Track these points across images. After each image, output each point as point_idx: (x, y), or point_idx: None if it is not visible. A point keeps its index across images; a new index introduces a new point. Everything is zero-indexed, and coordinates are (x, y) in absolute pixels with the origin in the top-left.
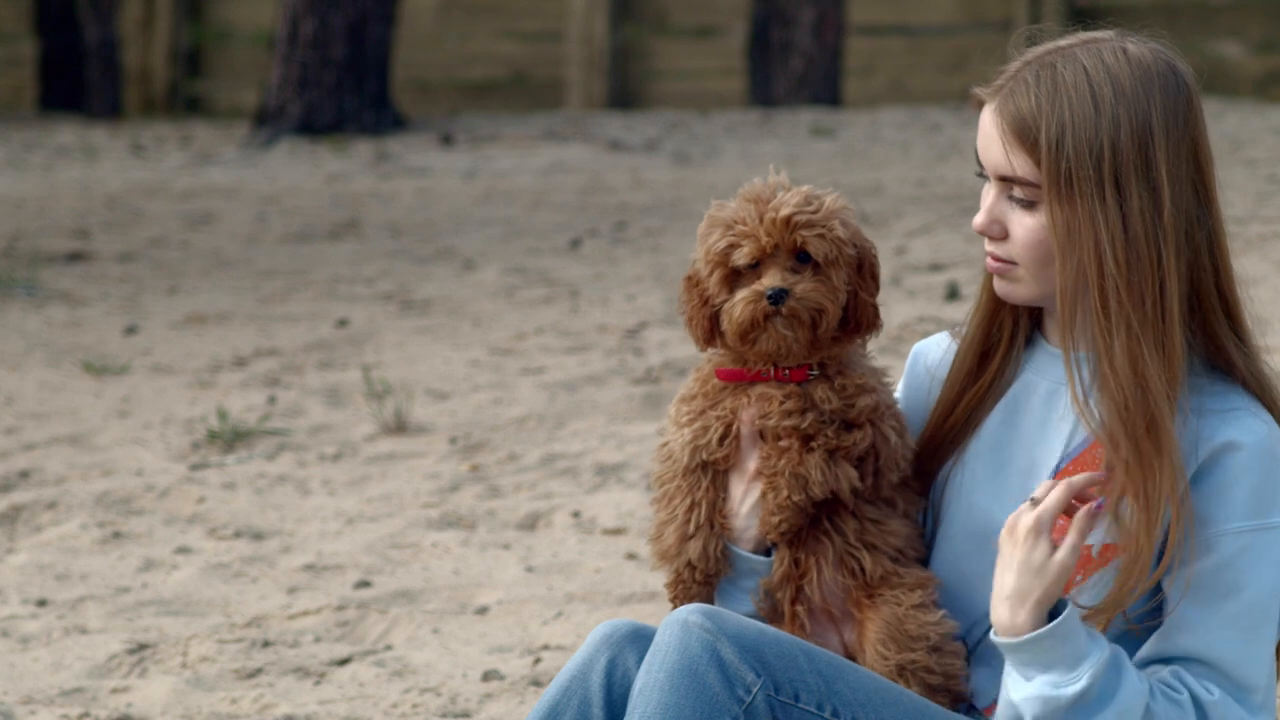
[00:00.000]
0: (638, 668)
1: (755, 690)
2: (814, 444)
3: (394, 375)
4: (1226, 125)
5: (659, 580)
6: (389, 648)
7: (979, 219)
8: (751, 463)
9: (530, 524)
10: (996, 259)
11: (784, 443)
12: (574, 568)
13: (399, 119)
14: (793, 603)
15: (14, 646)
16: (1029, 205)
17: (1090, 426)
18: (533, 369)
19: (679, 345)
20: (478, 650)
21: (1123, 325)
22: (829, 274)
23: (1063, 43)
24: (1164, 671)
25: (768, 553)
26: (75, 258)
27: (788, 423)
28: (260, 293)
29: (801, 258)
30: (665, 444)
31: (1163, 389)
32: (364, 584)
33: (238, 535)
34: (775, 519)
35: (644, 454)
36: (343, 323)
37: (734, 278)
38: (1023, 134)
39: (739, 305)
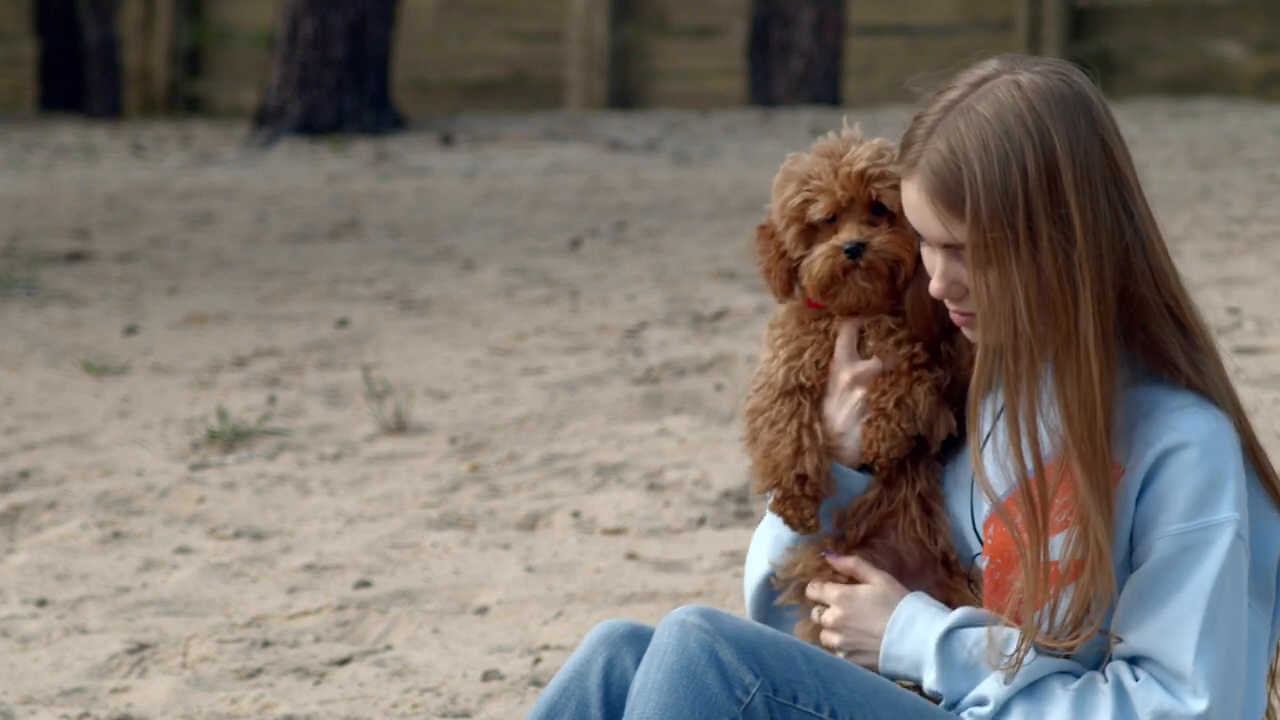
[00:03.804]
0: (635, 668)
1: (753, 691)
2: (919, 375)
3: (394, 375)
4: (1226, 125)
5: (659, 580)
6: (389, 648)
7: (936, 286)
8: (845, 374)
9: (530, 524)
10: (961, 314)
11: (892, 374)
12: (574, 568)
13: (399, 119)
14: (868, 537)
15: (14, 646)
16: None
17: (985, 489)
18: (533, 369)
19: (679, 345)
20: (478, 650)
21: (1032, 381)
22: (904, 224)
23: (954, 95)
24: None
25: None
26: (75, 258)
27: (901, 351)
28: (260, 293)
29: (876, 210)
30: (760, 373)
31: (1080, 429)
32: (364, 584)
33: (238, 535)
34: (885, 445)
35: (644, 454)
36: (343, 323)
37: (810, 232)
38: (952, 205)
39: (818, 261)
